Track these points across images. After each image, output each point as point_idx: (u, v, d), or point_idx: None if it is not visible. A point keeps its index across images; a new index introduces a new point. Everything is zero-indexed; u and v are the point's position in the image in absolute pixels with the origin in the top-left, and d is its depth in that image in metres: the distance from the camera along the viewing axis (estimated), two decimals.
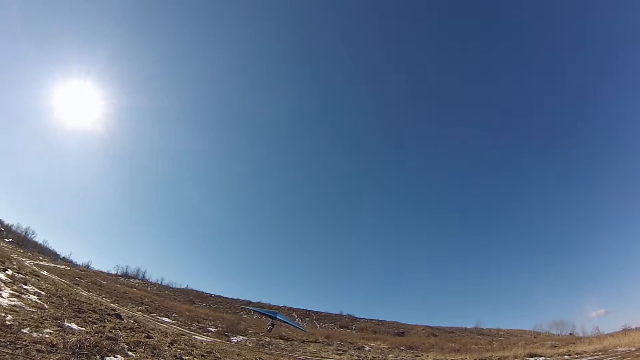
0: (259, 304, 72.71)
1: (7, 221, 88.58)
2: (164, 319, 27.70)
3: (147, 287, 68.98)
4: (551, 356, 24.50)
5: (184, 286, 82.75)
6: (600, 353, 23.87)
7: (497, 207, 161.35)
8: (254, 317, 60.12)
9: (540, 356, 24.63)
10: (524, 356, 24.76)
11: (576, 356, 23.86)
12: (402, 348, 35.73)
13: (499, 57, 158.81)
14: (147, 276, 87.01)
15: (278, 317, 38.64)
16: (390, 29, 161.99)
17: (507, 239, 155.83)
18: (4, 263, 17.08)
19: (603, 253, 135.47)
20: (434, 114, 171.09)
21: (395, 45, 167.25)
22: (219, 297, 74.86)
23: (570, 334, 55.66)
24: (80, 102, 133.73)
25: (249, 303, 72.34)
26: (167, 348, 9.77)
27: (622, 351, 22.87)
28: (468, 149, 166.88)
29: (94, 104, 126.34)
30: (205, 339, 21.07)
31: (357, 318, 74.09)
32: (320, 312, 74.21)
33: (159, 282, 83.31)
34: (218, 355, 12.10)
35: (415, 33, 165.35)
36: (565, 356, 24.25)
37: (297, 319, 62.66)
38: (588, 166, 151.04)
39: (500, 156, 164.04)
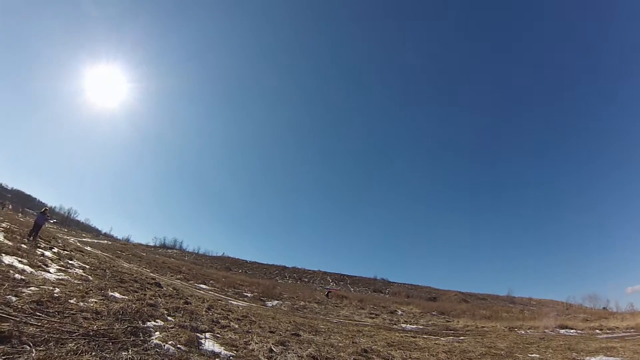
0: (295, 269, 74.83)
1: (51, 203, 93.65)
2: (202, 285, 28.91)
3: (185, 257, 71.78)
4: (582, 329, 24.15)
5: (220, 254, 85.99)
6: (632, 330, 23.43)
7: (535, 182, 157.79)
8: (289, 282, 61.98)
9: (572, 329, 24.33)
10: (555, 327, 24.49)
11: (608, 331, 23.45)
12: (433, 313, 36.00)
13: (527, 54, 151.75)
14: (184, 246, 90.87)
15: None
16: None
17: (545, 213, 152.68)
18: (50, 242, 18.23)
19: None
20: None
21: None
22: (255, 263, 77.08)
23: (604, 308, 54.47)
24: (110, 84, 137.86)
25: (284, 268, 74.48)
26: (204, 313, 10.25)
27: None
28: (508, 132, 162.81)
29: (123, 86, 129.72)
30: (241, 304, 21.88)
31: (390, 282, 75.30)
32: (355, 276, 75.76)
33: (196, 251, 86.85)
34: (253, 318, 12.63)
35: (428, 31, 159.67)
36: (597, 330, 23.85)
37: (331, 283, 64.18)
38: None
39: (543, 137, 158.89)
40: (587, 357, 12.10)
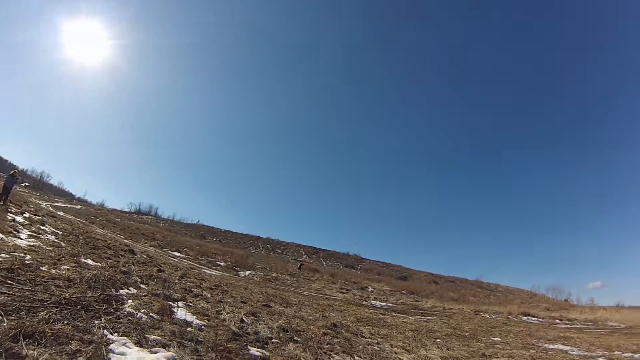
0: (268, 240, 75.43)
1: (22, 166, 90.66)
2: (176, 253, 29.00)
3: (160, 223, 71.25)
4: (543, 318, 25.48)
5: (195, 221, 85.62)
6: (590, 323, 24.73)
7: (507, 172, 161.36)
8: (263, 252, 62.57)
9: (534, 316, 25.64)
10: (518, 314, 25.82)
11: (567, 322, 24.73)
12: (403, 292, 37.32)
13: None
14: (159, 213, 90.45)
15: None
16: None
17: (521, 203, 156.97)
18: (21, 206, 17.77)
19: (609, 227, 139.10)
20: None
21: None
22: (229, 232, 77.09)
23: (565, 300, 57.16)
24: (89, 40, 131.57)
25: (258, 238, 74.98)
26: (177, 281, 10.36)
27: (612, 326, 23.66)
28: (490, 121, 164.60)
29: (103, 43, 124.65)
30: (214, 273, 22.14)
31: (363, 258, 76.47)
32: (328, 250, 76.74)
33: (171, 218, 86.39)
34: (225, 288, 12.85)
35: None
36: (557, 320, 25.16)
37: (304, 256, 65.09)
38: (601, 138, 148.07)
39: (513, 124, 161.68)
40: (546, 344, 12.93)
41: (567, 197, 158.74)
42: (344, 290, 28.83)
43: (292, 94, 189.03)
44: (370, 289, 34.82)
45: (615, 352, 11.66)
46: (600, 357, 10.90)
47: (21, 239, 9.13)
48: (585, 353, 11.49)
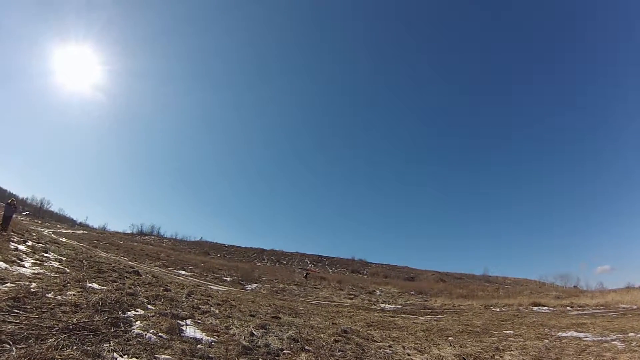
0: (273, 251, 75.18)
1: (22, 195, 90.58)
2: (181, 271, 28.83)
3: (163, 243, 70.97)
4: (554, 307, 25.09)
5: (198, 239, 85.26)
6: (602, 308, 24.30)
7: (508, 161, 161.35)
8: (268, 264, 62.31)
9: (544, 306, 25.31)
10: (528, 305, 25.45)
11: (579, 308, 24.35)
12: (411, 292, 36.99)
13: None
14: (162, 232, 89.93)
15: None
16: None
17: (518, 191, 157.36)
18: (23, 235, 17.75)
19: (614, 210, 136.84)
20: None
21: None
22: (233, 246, 76.86)
23: (575, 286, 56.87)
24: (80, 65, 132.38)
25: (263, 251, 74.78)
26: (184, 299, 10.30)
27: (624, 308, 23.19)
28: (483, 109, 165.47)
29: (94, 68, 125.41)
30: (221, 289, 22.00)
31: (368, 263, 76.17)
32: (333, 257, 76.34)
33: (174, 237, 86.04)
34: (233, 303, 12.79)
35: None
36: (568, 308, 24.75)
37: (309, 265, 64.81)
38: (604, 122, 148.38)
39: (510, 115, 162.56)
40: (559, 333, 12.79)
41: (566, 184, 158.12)
42: (352, 296, 28.64)
43: (286, 95, 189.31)
44: (378, 292, 34.60)
45: (630, 334, 11.56)
46: (614, 340, 10.80)
47: (25, 267, 9.10)
48: (600, 338, 11.40)
